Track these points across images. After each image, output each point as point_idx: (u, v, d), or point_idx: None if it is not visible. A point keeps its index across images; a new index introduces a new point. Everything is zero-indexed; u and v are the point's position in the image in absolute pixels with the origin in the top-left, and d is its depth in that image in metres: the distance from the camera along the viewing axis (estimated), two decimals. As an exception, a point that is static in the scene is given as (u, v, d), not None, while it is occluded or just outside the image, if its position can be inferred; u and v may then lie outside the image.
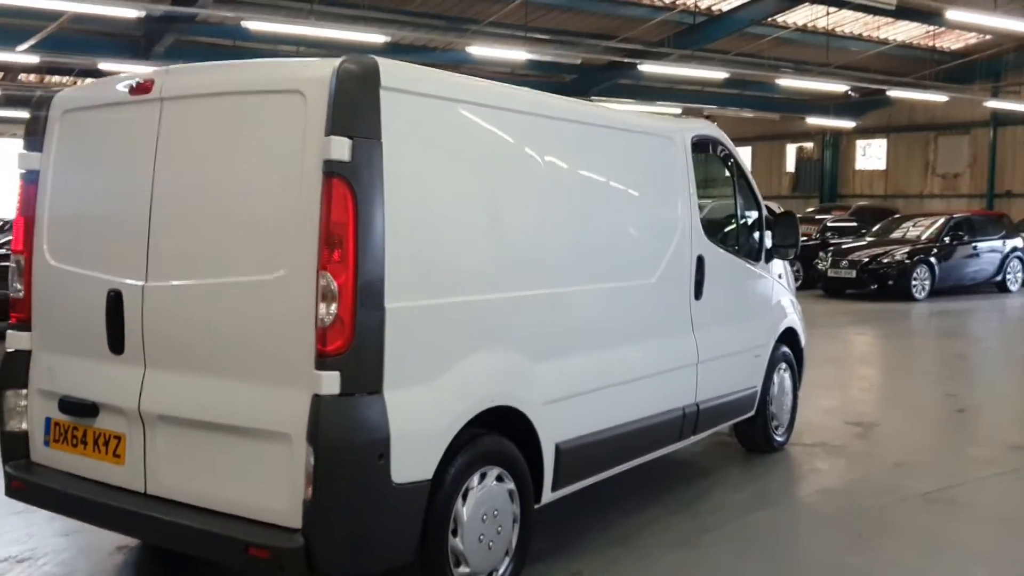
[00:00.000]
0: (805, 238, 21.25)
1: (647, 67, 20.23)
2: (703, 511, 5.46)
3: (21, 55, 17.14)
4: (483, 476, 3.98)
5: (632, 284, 5.02)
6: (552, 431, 4.36)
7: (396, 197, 3.54)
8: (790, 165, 35.18)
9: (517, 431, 4.22)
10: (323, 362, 3.37)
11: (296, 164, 3.45)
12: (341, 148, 3.37)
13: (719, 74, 22.03)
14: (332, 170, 3.37)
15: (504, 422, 4.15)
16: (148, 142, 3.84)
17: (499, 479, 4.06)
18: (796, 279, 19.57)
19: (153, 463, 3.79)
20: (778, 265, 6.72)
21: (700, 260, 5.53)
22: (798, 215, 7.61)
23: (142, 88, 3.89)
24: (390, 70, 3.57)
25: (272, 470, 3.47)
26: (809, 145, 34.38)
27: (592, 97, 24.61)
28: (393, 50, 19.21)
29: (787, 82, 22.66)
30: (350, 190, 3.37)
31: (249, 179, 3.63)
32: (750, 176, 6.33)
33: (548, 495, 4.44)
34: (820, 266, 19.09)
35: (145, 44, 18.64)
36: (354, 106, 3.43)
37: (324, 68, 3.46)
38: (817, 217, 23.36)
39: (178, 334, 3.75)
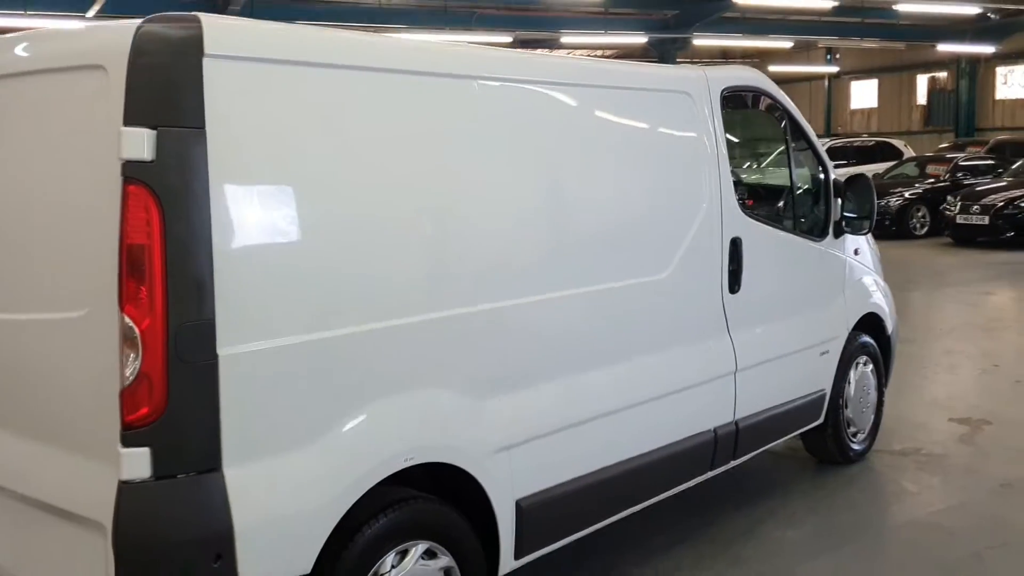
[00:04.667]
0: (932, 179, 19.31)
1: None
2: (746, 557, 4.38)
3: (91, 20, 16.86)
4: (403, 554, 3.05)
5: (632, 283, 3.92)
6: (509, 485, 3.37)
7: (239, 201, 2.60)
8: (921, 97, 32.35)
9: (460, 489, 3.27)
10: (127, 435, 2.48)
11: (99, 165, 2.53)
12: (138, 143, 2.43)
13: (825, 1, 20.02)
14: (129, 173, 2.44)
15: (442, 479, 3.22)
16: None
17: (428, 555, 3.12)
18: (921, 225, 18.09)
19: None
20: (856, 239, 5.46)
21: (736, 244, 4.37)
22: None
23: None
24: (220, 31, 2.58)
25: (86, 566, 2.62)
26: (942, 75, 31.46)
27: (695, 33, 22.96)
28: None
29: (907, 7, 20.41)
30: (154, 199, 2.43)
31: (53, 185, 2.74)
32: (811, 133, 5.06)
33: (510, 564, 3.46)
34: (948, 211, 17.18)
35: (222, 4, 18.10)
36: (160, 84, 2.47)
37: (129, 33, 2.52)
38: (948, 156, 21.19)
39: None
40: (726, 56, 34.14)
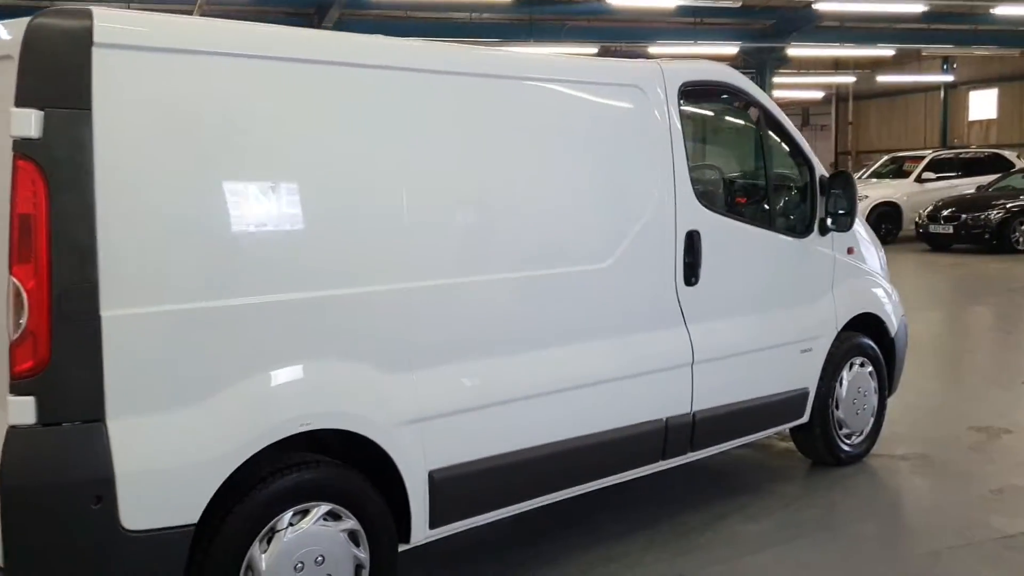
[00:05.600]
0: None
1: (823, 5, 18.14)
2: (697, 546, 4.42)
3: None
4: (303, 514, 3.26)
5: (570, 271, 4.03)
6: (421, 456, 3.54)
7: (126, 176, 2.86)
8: (1047, 107, 30.75)
9: (372, 458, 3.46)
10: (15, 385, 2.77)
11: (4, 144, 2.85)
12: (26, 122, 2.73)
13: (914, 7, 19.40)
14: (19, 149, 2.75)
15: (351, 447, 3.42)
16: None
17: (332, 517, 3.32)
18: (1024, 239, 17.22)
19: None
20: (849, 238, 5.40)
21: (693, 237, 4.42)
22: None
23: None
24: (112, 23, 2.87)
25: None
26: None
27: (792, 43, 22.56)
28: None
29: (1006, 9, 19.56)
30: (40, 173, 2.73)
31: None
32: (791, 129, 5.05)
33: (424, 533, 3.63)
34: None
35: (317, 20, 18.88)
36: (47, 69, 2.78)
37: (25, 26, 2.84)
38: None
39: None
40: (838, 66, 33.34)
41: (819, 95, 35.83)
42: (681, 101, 4.45)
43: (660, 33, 21.04)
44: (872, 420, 5.64)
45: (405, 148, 3.54)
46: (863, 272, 5.59)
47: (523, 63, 4.07)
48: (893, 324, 5.74)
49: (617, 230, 4.20)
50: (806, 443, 5.47)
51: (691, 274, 4.45)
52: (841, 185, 5.06)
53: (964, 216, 17.87)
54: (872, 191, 20.56)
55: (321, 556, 3.26)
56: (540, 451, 3.91)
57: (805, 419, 5.24)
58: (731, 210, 4.79)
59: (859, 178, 22.70)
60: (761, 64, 23.25)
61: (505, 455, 3.80)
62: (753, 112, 4.93)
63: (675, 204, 4.38)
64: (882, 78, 31.24)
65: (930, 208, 18.62)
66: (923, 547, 4.38)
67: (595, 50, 20.00)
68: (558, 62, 4.25)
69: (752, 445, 5.83)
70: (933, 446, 5.88)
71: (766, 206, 4.99)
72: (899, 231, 20.19)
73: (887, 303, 5.74)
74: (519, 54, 4.32)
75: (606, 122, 4.22)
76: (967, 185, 20.19)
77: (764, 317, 4.90)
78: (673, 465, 4.58)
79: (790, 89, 33.20)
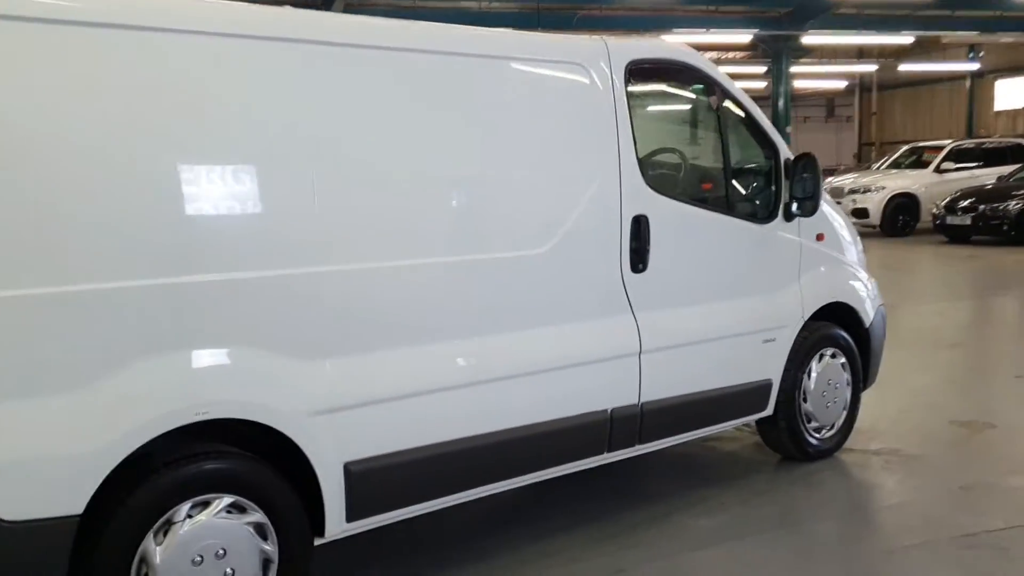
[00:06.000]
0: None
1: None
2: (643, 541, 4.26)
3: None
4: (204, 505, 3.15)
5: (501, 256, 3.89)
6: (335, 448, 3.42)
7: None
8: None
9: (285, 448, 3.35)
10: None
11: None
12: None
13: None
14: None
15: (264, 438, 3.31)
16: None
17: (237, 509, 3.21)
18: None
19: None
20: (820, 225, 5.21)
21: (640, 222, 4.26)
22: None
23: None
24: None
25: None
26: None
27: (809, 31, 22.19)
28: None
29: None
30: None
31: None
32: (753, 110, 4.86)
33: (341, 527, 3.50)
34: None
35: (322, 6, 18.78)
36: None
37: None
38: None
39: None
40: (862, 54, 32.86)
41: (842, 85, 35.29)
42: (629, 80, 4.29)
43: (673, 21, 20.75)
44: (845, 414, 5.44)
45: (317, 125, 3.40)
46: (835, 260, 5.39)
47: (453, 37, 3.92)
48: (868, 314, 5.54)
49: (556, 214, 4.05)
50: (772, 437, 5.29)
51: (638, 261, 4.29)
52: (804, 169, 4.87)
53: (982, 207, 17.46)
54: (889, 182, 20.20)
55: (223, 549, 3.15)
56: (469, 443, 3.78)
57: (769, 412, 5.07)
58: (685, 195, 4.61)
59: (877, 168, 22.32)
60: (778, 53, 22.91)
61: (430, 447, 3.66)
62: (712, 93, 4.74)
63: (620, 188, 4.22)
64: (905, 67, 30.67)
65: (947, 199, 18.23)
66: (879, 546, 4.20)
67: (605, 39, 19.71)
68: (493, 37, 4.09)
69: (722, 437, 5.69)
70: (910, 441, 5.68)
71: (724, 190, 4.81)
72: (917, 223, 19.80)
73: (862, 292, 5.54)
74: (449, 27, 4.11)
75: (544, 101, 4.06)
76: (988, 176, 19.72)
77: (721, 305, 4.72)
78: (621, 457, 4.43)
79: (811, 79, 32.77)
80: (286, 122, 3.35)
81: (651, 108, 4.52)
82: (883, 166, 22.18)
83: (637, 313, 4.33)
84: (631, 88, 4.31)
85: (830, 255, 5.34)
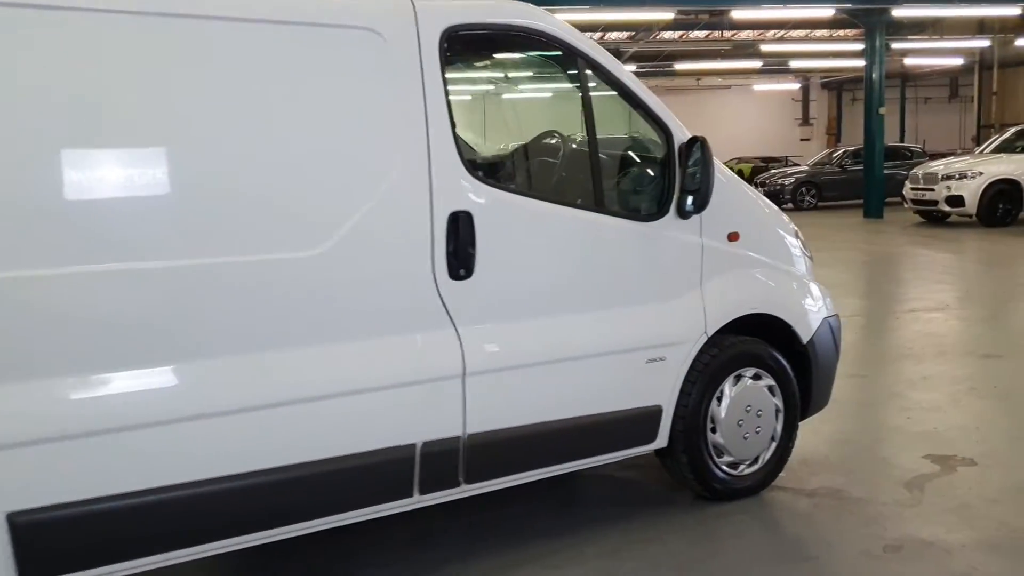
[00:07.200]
0: None
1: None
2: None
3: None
4: None
5: (254, 260, 3.22)
6: (-2, 493, 2.85)
7: None
8: None
9: None
10: None
11: None
12: None
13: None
14: None
15: None
16: None
17: None
18: None
19: None
20: (736, 221, 4.37)
21: (460, 219, 3.55)
22: None
23: None
24: None
25: None
26: None
27: (902, 3, 20.45)
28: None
29: None
30: None
31: None
32: (633, 85, 4.04)
33: (19, 587, 2.95)
34: None
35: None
36: None
37: None
38: None
39: None
40: (983, 29, 30.42)
41: (958, 62, 32.85)
42: (447, 49, 3.57)
43: (745, -3, 19.50)
44: (774, 445, 4.59)
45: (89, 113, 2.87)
46: (759, 264, 4.53)
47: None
48: (808, 328, 4.65)
49: (335, 209, 3.38)
50: (675, 472, 4.49)
51: (460, 265, 3.59)
52: (692, 156, 4.04)
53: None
54: (988, 167, 18.47)
55: None
56: (201, 488, 3.15)
57: (662, 444, 4.27)
58: (530, 187, 3.88)
59: (980, 152, 20.50)
60: (871, 28, 21.21)
61: (149, 491, 3.06)
62: (573, 64, 3.94)
63: (430, 180, 3.52)
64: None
65: (1051, 186, 16.52)
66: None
67: (671, 15, 18.70)
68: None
69: (642, 466, 4.90)
70: (861, 479, 4.77)
71: (589, 182, 4.01)
72: (1019, 212, 18.07)
73: (798, 301, 4.66)
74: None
75: (321, 75, 3.37)
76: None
77: (582, 319, 3.96)
78: (442, 501, 3.74)
79: (923, 56, 30.62)
80: None
81: (484, 84, 3.77)
82: (987, 149, 20.34)
83: (461, 328, 3.63)
84: (452, 58, 3.60)
85: (751, 257, 4.48)
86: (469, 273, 3.60)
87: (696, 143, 4.03)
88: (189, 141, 3.14)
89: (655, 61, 32.02)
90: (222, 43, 3.19)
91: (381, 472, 3.51)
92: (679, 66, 31.92)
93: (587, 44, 3.95)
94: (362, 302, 3.45)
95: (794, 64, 33.77)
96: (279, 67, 3.30)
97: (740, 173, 35.54)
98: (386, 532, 4.06)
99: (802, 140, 42.22)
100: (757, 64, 32.82)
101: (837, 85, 42.51)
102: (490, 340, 3.70)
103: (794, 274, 4.71)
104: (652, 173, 4.17)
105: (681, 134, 4.13)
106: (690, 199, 4.07)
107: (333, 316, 3.40)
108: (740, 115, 41.37)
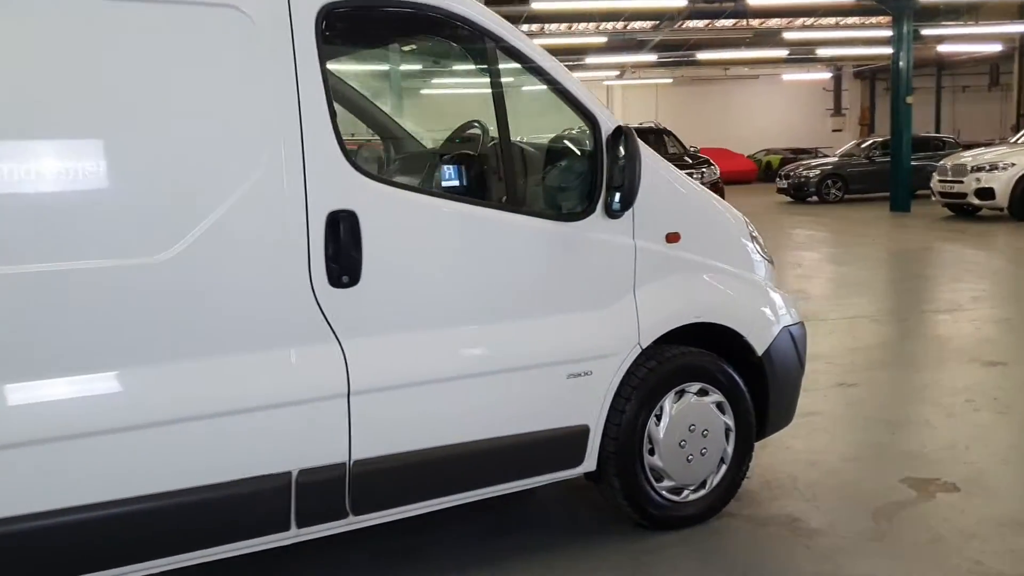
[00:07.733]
0: None
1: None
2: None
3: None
4: None
5: (84, 267, 2.84)
6: None
7: None
8: None
9: None
10: None
11: None
12: None
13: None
14: None
15: None
16: None
17: None
18: None
19: None
20: (675, 220, 3.93)
21: (341, 219, 3.15)
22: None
23: None
24: None
25: None
26: None
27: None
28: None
29: None
30: None
31: None
32: (552, 69, 3.60)
33: None
34: None
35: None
36: None
37: None
38: None
39: None
40: (1023, 13, 29.40)
41: (996, 48, 31.82)
42: (325, 28, 3.16)
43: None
44: (724, 468, 4.14)
45: None
46: (707, 268, 4.08)
47: None
48: (763, 338, 4.20)
49: (188, 209, 2.99)
50: (608, 498, 4.06)
51: (342, 272, 3.19)
52: (617, 149, 3.60)
53: None
54: (1021, 158, 17.69)
55: None
56: (33, 522, 2.78)
57: (590, 467, 3.85)
58: (428, 183, 3.46)
59: (1014, 141, 19.69)
60: (898, 13, 20.45)
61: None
62: (479, 46, 3.51)
63: (304, 175, 3.12)
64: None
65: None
66: None
67: (684, 1, 18.09)
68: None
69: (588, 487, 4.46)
70: (824, 505, 4.31)
71: (498, 177, 3.59)
72: (1053, 205, 17.31)
73: (752, 309, 4.21)
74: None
75: (176, 56, 2.97)
76: None
77: (492, 330, 3.54)
78: (328, 533, 3.35)
79: (960, 42, 29.70)
80: None
81: (375, 67, 3.36)
82: (1021, 139, 19.53)
83: (345, 341, 3.24)
84: (333, 40, 3.20)
85: (695, 261, 4.03)
86: (354, 280, 3.20)
87: (621, 134, 3.59)
88: (19, 131, 2.77)
89: (680, 51, 31.38)
90: (60, 21, 2.81)
91: (250, 503, 3.12)
92: (702, 55, 31.20)
93: (497, 23, 3.51)
94: (222, 313, 3.06)
95: (821, 52, 32.94)
96: (126, 49, 2.90)
97: (768, 165, 34.89)
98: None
99: (834, 131, 41.23)
100: (783, 53, 32.04)
101: (871, 74, 41.51)
102: (380, 355, 3.30)
103: (749, 279, 4.25)
104: (577, 168, 3.74)
105: (608, 125, 3.69)
106: (617, 196, 3.63)
107: (188, 330, 3.01)
108: (769, 105, 40.48)
